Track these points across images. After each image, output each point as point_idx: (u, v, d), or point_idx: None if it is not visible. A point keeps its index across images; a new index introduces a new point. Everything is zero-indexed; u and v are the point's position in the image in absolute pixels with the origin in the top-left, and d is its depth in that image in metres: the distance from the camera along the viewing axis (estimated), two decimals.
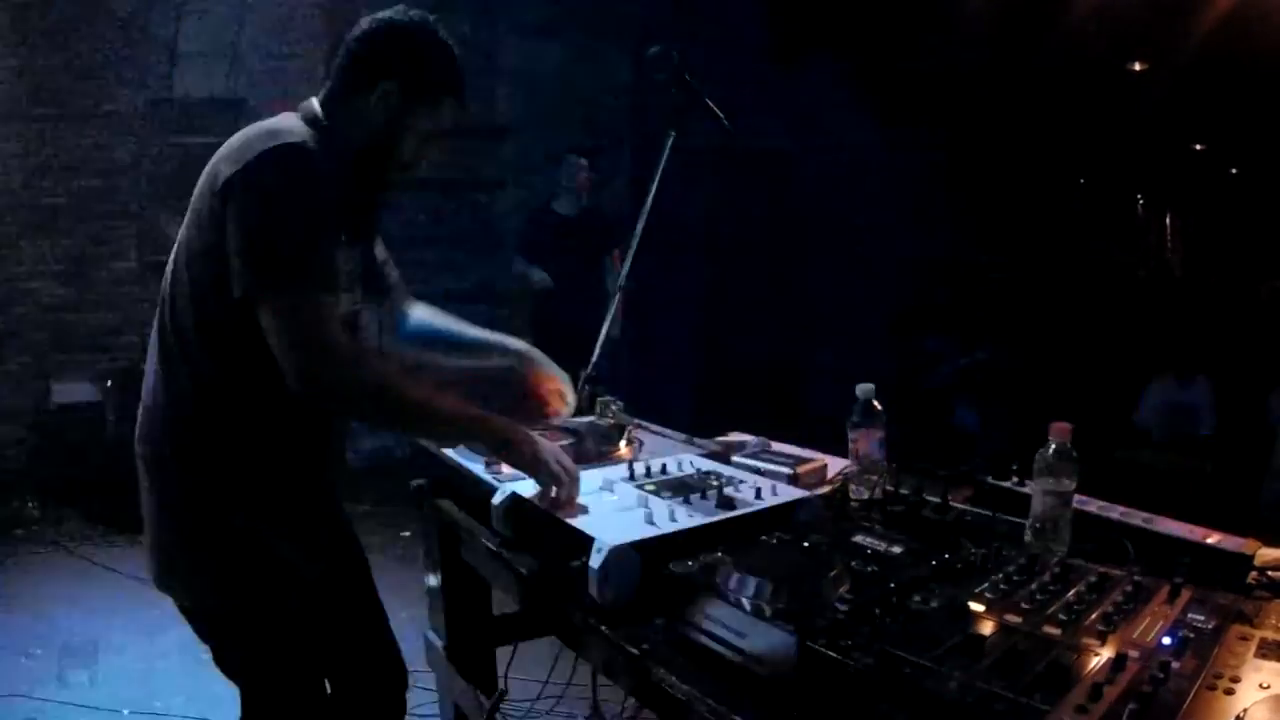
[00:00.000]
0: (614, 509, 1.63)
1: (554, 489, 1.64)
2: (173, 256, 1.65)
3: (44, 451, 5.70)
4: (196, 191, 1.61)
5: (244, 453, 1.62)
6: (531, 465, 1.65)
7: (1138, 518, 1.63)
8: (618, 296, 2.43)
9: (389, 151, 1.69)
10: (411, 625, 2.33)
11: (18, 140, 5.62)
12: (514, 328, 5.91)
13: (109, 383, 5.50)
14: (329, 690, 1.86)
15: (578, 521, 1.56)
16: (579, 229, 5.30)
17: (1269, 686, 1.03)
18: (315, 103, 1.70)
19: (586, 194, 5.39)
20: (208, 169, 1.59)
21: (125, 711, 3.22)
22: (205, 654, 1.79)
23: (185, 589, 1.71)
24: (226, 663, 1.77)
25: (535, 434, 1.71)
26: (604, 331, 2.32)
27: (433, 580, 2.23)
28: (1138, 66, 7.02)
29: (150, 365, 1.68)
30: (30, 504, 5.38)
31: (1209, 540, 1.53)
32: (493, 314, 6.15)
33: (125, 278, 5.92)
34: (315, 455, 1.76)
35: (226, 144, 1.60)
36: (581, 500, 1.67)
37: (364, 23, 1.68)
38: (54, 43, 5.61)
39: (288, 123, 1.64)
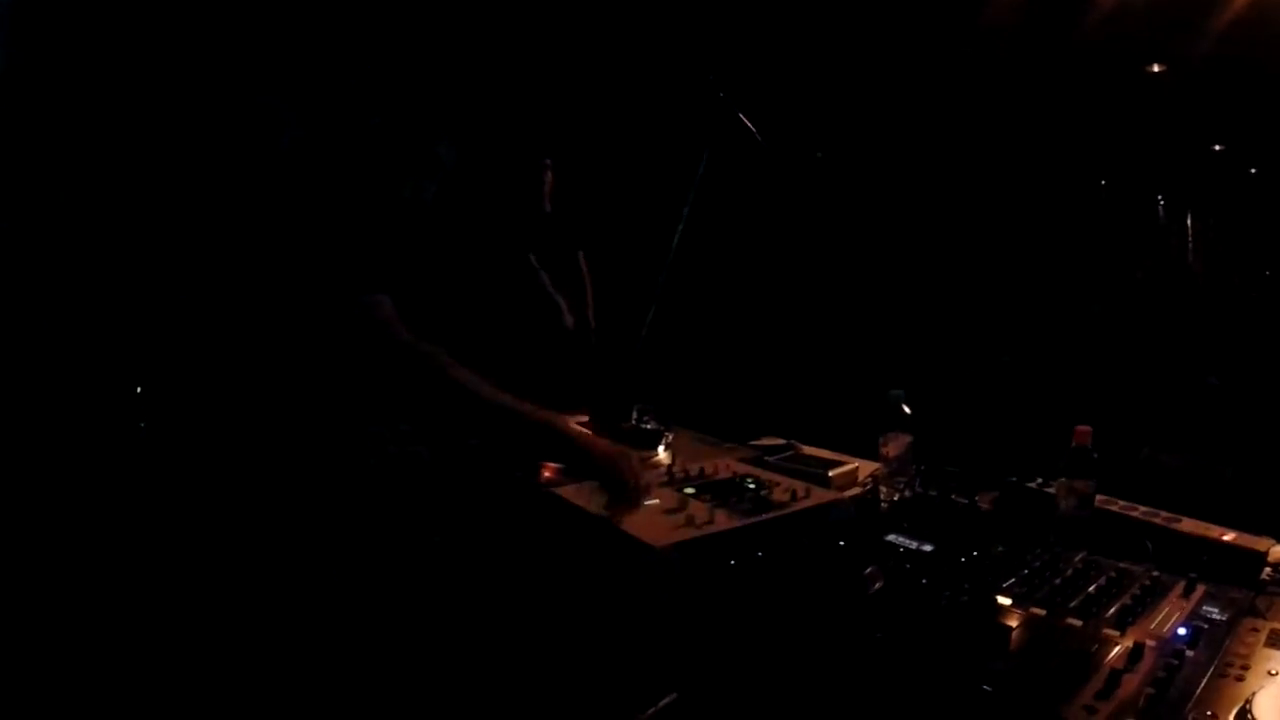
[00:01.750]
0: (656, 512, 1.71)
1: (622, 494, 1.65)
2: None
3: None
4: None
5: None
6: (604, 470, 1.66)
7: (1158, 517, 1.70)
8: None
9: (389, 183, 1.70)
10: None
11: None
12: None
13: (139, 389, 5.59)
14: None
15: (624, 524, 1.64)
16: (549, 231, 5.43)
17: (1276, 673, 1.11)
18: None
19: (549, 197, 5.49)
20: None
21: None
22: None
23: None
24: None
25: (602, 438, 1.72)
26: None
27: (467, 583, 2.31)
28: (1156, 68, 7.04)
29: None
30: None
31: (1225, 538, 1.60)
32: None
33: None
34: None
35: None
36: None
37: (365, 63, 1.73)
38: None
39: None
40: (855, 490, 1.97)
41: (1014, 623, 1.23)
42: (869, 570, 1.35)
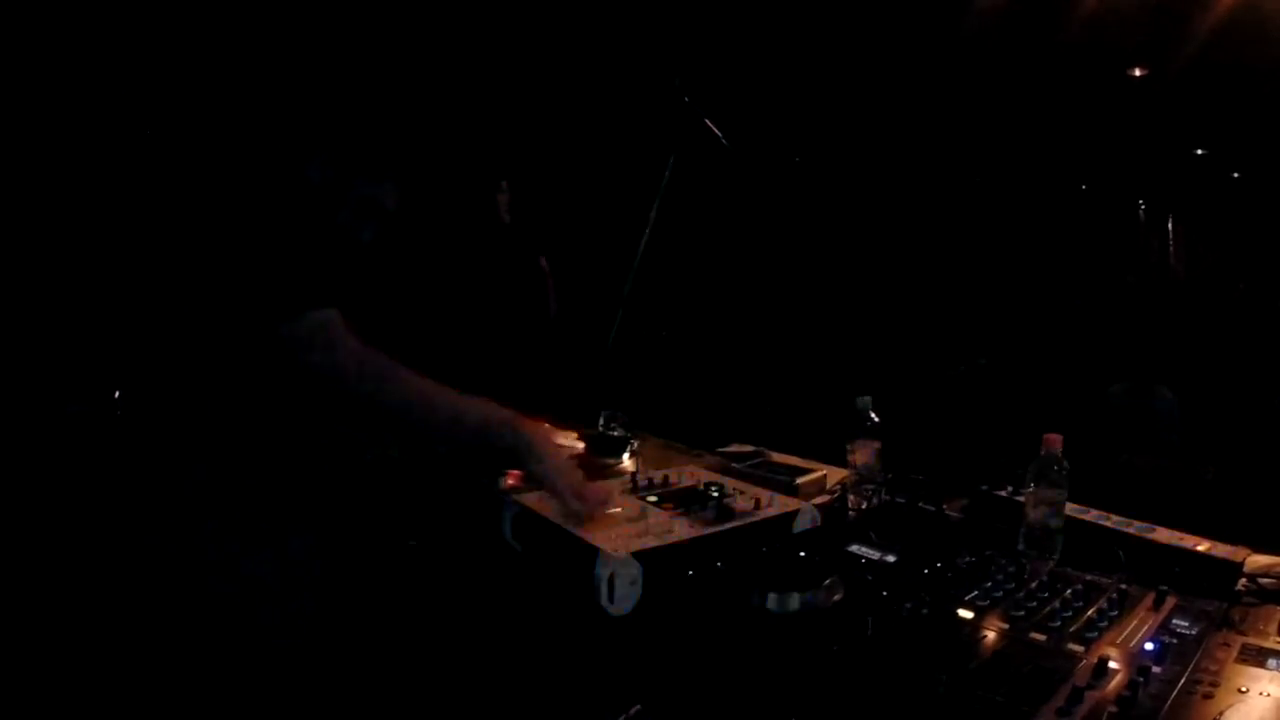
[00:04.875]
0: (617, 520, 1.66)
1: (570, 502, 1.63)
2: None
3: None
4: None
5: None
6: (550, 474, 1.64)
7: (1131, 526, 1.66)
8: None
9: (326, 217, 1.68)
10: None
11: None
12: None
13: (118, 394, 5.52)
14: None
15: (583, 533, 1.59)
16: (510, 245, 5.96)
17: (1247, 690, 1.07)
18: None
19: (507, 213, 5.98)
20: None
21: None
22: None
23: None
24: None
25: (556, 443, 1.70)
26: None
27: (439, 589, 2.26)
28: (1138, 72, 7.04)
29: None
30: None
31: (1199, 548, 1.56)
32: None
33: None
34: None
35: None
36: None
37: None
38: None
39: None
40: (823, 498, 1.92)
41: (975, 637, 1.18)
42: (828, 581, 1.31)
